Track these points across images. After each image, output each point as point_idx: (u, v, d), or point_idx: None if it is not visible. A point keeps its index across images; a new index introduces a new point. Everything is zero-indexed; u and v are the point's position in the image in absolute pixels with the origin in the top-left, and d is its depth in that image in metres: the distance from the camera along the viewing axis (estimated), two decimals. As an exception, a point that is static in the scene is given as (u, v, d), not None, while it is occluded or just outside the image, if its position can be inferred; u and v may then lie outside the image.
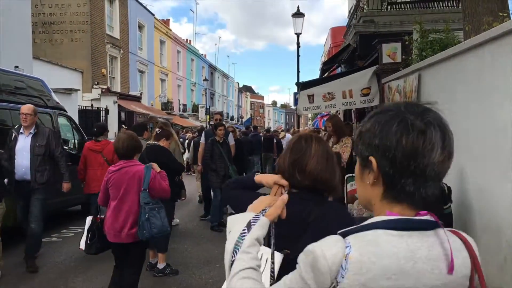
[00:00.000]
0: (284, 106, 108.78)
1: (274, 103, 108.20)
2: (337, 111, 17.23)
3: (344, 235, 1.10)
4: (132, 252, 4.10)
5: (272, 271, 1.44)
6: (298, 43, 16.96)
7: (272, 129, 27.87)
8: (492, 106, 3.82)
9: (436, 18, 9.85)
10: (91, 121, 19.34)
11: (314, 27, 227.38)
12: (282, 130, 24.61)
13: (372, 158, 1.12)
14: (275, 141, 18.15)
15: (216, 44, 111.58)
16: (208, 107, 42.18)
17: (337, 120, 7.30)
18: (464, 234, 1.15)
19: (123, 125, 21.93)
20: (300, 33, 16.73)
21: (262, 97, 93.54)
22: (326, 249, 1.06)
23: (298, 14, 16.62)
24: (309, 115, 45.17)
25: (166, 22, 38.16)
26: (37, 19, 21.55)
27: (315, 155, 1.90)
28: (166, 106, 33.26)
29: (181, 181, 6.15)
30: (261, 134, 17.95)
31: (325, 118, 19.29)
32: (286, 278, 1.13)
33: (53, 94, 8.59)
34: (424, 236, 1.08)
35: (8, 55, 12.78)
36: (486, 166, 3.96)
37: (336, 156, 6.32)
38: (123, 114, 23.04)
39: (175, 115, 35.26)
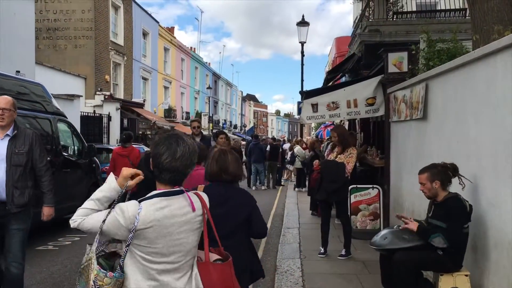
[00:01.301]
0: (287, 115, 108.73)
1: (278, 112, 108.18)
2: (341, 121, 17.11)
3: (140, 202, 2.10)
4: None
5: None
6: (302, 52, 16.89)
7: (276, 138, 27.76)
8: (504, 116, 3.66)
9: (443, 28, 9.70)
10: (93, 127, 19.26)
11: (320, 37, 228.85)
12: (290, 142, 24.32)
13: (151, 161, 2.21)
14: (280, 150, 18.10)
15: (220, 53, 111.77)
16: (211, 115, 42.11)
17: (342, 130, 7.15)
18: (200, 193, 2.32)
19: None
20: (305, 42, 16.68)
21: (265, 106, 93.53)
22: (130, 207, 2.06)
23: (303, 23, 16.58)
24: (313, 125, 45.02)
25: (170, 30, 38.22)
26: (41, 25, 21.55)
27: (231, 162, 3.33)
28: (169, 113, 33.18)
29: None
30: (261, 143, 17.94)
31: (329, 128, 19.14)
32: (108, 216, 2.06)
33: (53, 99, 8.47)
34: (176, 197, 2.17)
35: (11, 60, 12.71)
36: (497, 178, 3.80)
37: (341, 166, 6.15)
38: (125, 121, 22.95)
39: (178, 122, 35.17)
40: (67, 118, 8.82)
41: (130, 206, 2.05)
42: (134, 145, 9.66)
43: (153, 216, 2.05)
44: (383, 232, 4.28)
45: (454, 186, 4.22)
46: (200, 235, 2.26)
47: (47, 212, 4.58)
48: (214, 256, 2.42)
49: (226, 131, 48.92)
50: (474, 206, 4.12)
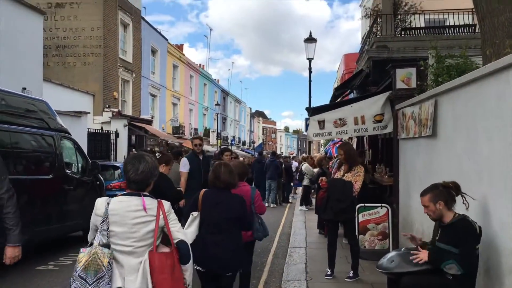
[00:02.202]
0: (296, 131, 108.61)
1: (287, 129, 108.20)
2: (350, 138, 16.92)
3: (111, 197, 2.95)
4: None
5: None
6: (310, 68, 16.82)
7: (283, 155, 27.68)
8: (518, 134, 3.48)
9: (451, 44, 9.57)
10: (100, 144, 19.25)
11: (329, 53, 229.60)
12: (297, 158, 24.24)
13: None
14: (283, 166, 18.02)
15: (229, 69, 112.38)
16: (219, 131, 42.09)
17: (349, 147, 6.98)
18: (163, 202, 3.01)
19: (133, 149, 21.82)
20: (312, 58, 16.62)
21: (274, 123, 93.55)
22: (100, 202, 2.91)
23: (310, 40, 16.54)
24: (322, 141, 44.81)
25: (179, 47, 38.47)
26: (51, 42, 21.76)
27: (224, 172, 4.14)
28: (177, 130, 33.18)
29: (180, 210, 5.82)
30: (267, 159, 17.96)
31: (337, 145, 18.94)
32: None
33: (57, 116, 8.41)
34: (134, 198, 2.91)
35: (18, 77, 12.77)
36: (509, 198, 3.60)
37: (348, 185, 5.95)
38: (133, 138, 22.95)
39: (186, 139, 35.14)
40: (71, 135, 8.75)
41: (99, 203, 2.94)
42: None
43: (115, 206, 2.90)
44: (390, 254, 4.08)
45: (459, 206, 4.04)
46: (153, 230, 2.93)
47: (10, 253, 3.53)
48: (164, 249, 2.99)
49: (234, 147, 48.96)
50: (485, 227, 3.93)
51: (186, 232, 3.57)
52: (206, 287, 4.12)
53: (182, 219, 6.20)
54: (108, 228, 2.83)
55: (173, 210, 3.09)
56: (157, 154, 5.63)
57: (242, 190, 4.72)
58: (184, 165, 7.62)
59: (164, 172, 5.42)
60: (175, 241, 2.99)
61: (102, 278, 2.73)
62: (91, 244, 2.87)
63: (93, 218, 2.93)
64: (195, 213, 4.03)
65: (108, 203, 2.88)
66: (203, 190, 4.22)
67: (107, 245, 2.81)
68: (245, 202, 4.24)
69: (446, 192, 3.99)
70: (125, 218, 2.86)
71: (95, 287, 2.71)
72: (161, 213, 2.95)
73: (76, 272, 2.74)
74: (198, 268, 3.93)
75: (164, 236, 3.02)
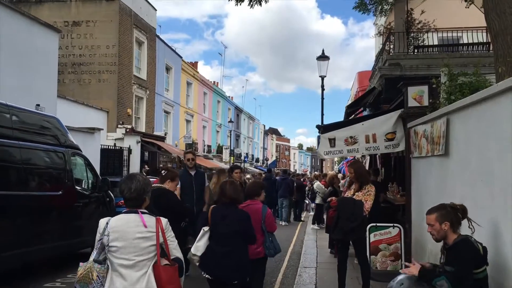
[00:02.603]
0: (310, 149, 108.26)
1: (300, 146, 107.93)
2: (362, 156, 16.76)
3: (111, 217, 3.25)
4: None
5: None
6: (322, 86, 16.76)
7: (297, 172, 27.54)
8: (531, 155, 3.36)
9: (465, 62, 9.46)
10: (113, 160, 19.35)
11: (344, 71, 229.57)
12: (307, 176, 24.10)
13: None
14: (295, 184, 17.94)
15: (243, 87, 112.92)
16: (232, 148, 42.12)
17: (359, 166, 6.89)
18: (161, 219, 3.25)
19: (146, 165, 21.90)
20: (325, 76, 16.57)
21: (288, 140, 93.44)
22: (101, 221, 3.19)
23: (322, 57, 16.51)
24: (335, 159, 44.52)
25: (194, 65, 38.81)
26: (67, 60, 22.12)
27: (229, 189, 4.58)
28: (191, 147, 33.26)
29: (187, 227, 5.75)
30: (277, 177, 17.94)
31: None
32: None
33: (68, 133, 8.46)
34: (132, 215, 3.19)
35: (32, 94, 12.94)
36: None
37: (358, 204, 5.85)
38: (146, 154, 23.05)
39: (200, 156, 35.20)
40: (81, 151, 8.78)
41: (100, 222, 3.22)
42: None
43: (116, 223, 3.17)
44: (400, 277, 3.95)
45: (465, 230, 3.91)
46: (154, 245, 3.18)
47: None
48: (164, 261, 3.24)
49: (247, 164, 48.89)
50: (498, 250, 3.80)
51: (197, 245, 4.39)
52: None
53: (190, 238, 6.15)
54: (108, 245, 3.12)
55: (170, 227, 3.32)
56: (162, 172, 5.59)
57: (253, 207, 5.08)
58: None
59: (170, 188, 5.38)
60: (172, 257, 3.28)
61: None
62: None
63: (96, 236, 3.23)
64: (206, 228, 4.48)
65: (107, 223, 3.17)
66: (212, 206, 4.72)
67: (99, 261, 3.18)
68: (250, 217, 4.62)
69: (453, 214, 3.87)
70: (126, 234, 3.13)
71: None
72: (159, 229, 3.22)
73: (74, 284, 3.26)
74: (207, 276, 4.43)
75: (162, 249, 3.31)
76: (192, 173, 7.69)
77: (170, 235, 3.30)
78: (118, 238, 3.11)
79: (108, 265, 3.16)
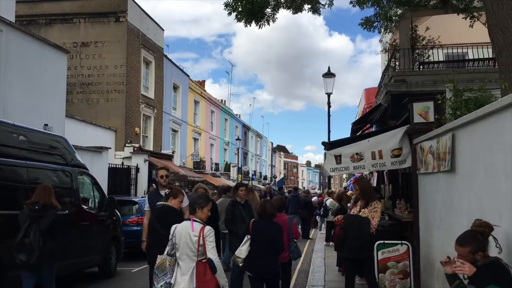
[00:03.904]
0: (318, 166, 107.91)
1: (308, 163, 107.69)
2: (370, 173, 16.66)
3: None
4: None
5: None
6: (329, 103, 16.82)
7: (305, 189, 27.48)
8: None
9: (471, 78, 9.43)
10: (120, 179, 19.39)
11: (352, 88, 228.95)
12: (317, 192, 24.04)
13: None
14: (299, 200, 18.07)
15: (250, 105, 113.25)
16: (240, 166, 42.10)
17: (365, 182, 6.86)
18: (206, 227, 4.52)
19: (153, 184, 21.90)
20: (331, 93, 16.64)
21: (296, 157, 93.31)
22: (172, 227, 4.69)
23: (328, 75, 16.59)
24: (344, 176, 44.29)
25: (201, 83, 39.09)
26: (75, 80, 22.37)
27: (269, 206, 5.77)
28: (198, 165, 33.30)
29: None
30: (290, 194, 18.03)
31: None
32: None
33: (75, 152, 8.51)
34: (187, 222, 4.62)
35: (41, 114, 13.07)
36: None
37: (365, 221, 5.81)
38: (154, 172, 23.07)
39: (207, 174, 35.23)
40: (88, 170, 8.82)
41: (172, 227, 4.62)
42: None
43: (178, 228, 4.56)
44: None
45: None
46: (196, 246, 4.43)
47: None
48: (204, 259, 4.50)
49: (255, 182, 48.76)
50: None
51: (241, 249, 5.47)
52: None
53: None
54: (174, 243, 4.57)
55: (212, 234, 4.47)
56: (166, 191, 5.66)
57: (281, 219, 6.38)
58: (145, 203, 6.83)
59: (174, 205, 5.41)
60: (207, 257, 4.46)
61: (165, 274, 4.57)
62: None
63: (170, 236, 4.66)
64: (248, 236, 5.59)
65: (175, 227, 4.63)
66: (252, 220, 5.98)
67: (170, 254, 4.63)
68: (282, 229, 5.88)
69: (485, 240, 3.61)
70: (182, 235, 4.50)
71: (161, 279, 4.58)
72: (201, 235, 4.43)
73: (154, 269, 4.75)
74: (249, 274, 5.65)
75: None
76: (163, 192, 6.60)
77: (209, 240, 4.45)
78: (178, 239, 4.51)
79: (176, 257, 4.54)
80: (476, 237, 3.62)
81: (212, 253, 4.39)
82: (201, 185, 9.25)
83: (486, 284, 3.35)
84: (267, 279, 5.67)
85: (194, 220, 4.44)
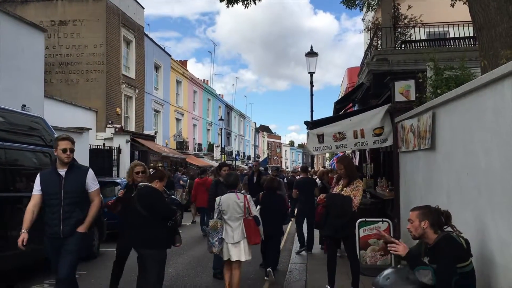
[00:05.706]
0: (301, 146, 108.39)
1: (292, 143, 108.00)
2: (352, 152, 16.78)
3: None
4: None
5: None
6: (311, 82, 16.79)
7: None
8: (514, 147, 3.37)
9: (452, 57, 9.49)
10: (102, 160, 19.19)
11: (337, 67, 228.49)
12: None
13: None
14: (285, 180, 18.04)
15: (233, 85, 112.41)
16: (223, 146, 42.04)
17: (348, 161, 6.87)
18: (247, 195, 6.27)
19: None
20: (314, 72, 16.58)
21: (279, 137, 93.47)
22: (216, 199, 6.21)
23: (311, 54, 16.51)
24: (327, 155, 44.59)
25: (183, 63, 38.65)
26: (54, 59, 21.91)
27: (274, 182, 7.97)
28: (181, 145, 33.16)
29: (175, 226, 5.72)
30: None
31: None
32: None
33: (55, 133, 8.36)
34: (232, 193, 6.15)
35: (18, 94, 12.79)
36: (510, 214, 3.48)
37: (347, 200, 5.83)
38: (136, 153, 22.91)
39: (190, 154, 35.13)
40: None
41: (216, 199, 6.12)
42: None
43: (224, 199, 6.03)
44: (386, 271, 3.93)
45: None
46: (243, 208, 5.96)
47: None
48: (248, 216, 6.06)
49: (239, 162, 48.79)
50: (484, 243, 3.80)
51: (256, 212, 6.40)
52: (265, 241, 6.71)
53: (177, 236, 6.04)
54: (221, 210, 5.96)
55: (252, 200, 6.29)
56: (151, 170, 5.67)
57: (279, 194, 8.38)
58: (35, 184, 4.95)
59: (158, 188, 5.32)
60: (252, 215, 6.07)
61: (217, 233, 5.87)
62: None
63: (215, 206, 6.09)
64: (258, 207, 7.00)
65: (220, 199, 6.04)
66: (261, 193, 7.87)
67: (220, 218, 5.96)
68: (284, 198, 8.49)
69: (435, 215, 3.83)
70: (230, 204, 5.95)
71: (214, 236, 5.86)
72: (246, 201, 6.02)
73: (208, 230, 6.08)
74: None
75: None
76: (62, 172, 4.86)
77: (252, 204, 6.13)
78: (226, 206, 5.93)
79: (223, 220, 5.93)
80: (427, 208, 3.91)
81: (255, 211, 6.16)
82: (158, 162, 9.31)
83: (439, 256, 3.60)
84: (271, 234, 7.06)
85: (236, 192, 6.06)
